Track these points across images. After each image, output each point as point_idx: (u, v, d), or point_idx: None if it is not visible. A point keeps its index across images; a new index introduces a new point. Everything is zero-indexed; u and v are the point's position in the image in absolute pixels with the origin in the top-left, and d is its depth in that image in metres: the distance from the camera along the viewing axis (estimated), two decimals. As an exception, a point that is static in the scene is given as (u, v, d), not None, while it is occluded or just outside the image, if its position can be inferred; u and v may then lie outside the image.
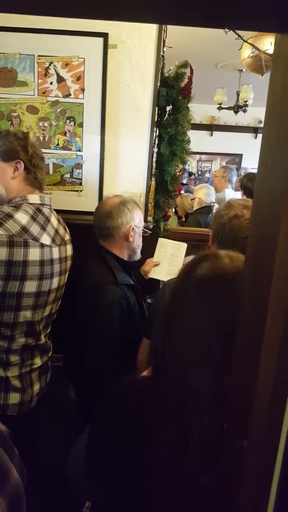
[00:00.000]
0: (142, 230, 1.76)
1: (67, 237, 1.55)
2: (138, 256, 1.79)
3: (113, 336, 1.55)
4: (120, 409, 0.78)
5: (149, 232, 1.87)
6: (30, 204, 1.36)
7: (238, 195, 3.77)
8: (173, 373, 0.74)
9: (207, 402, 0.69)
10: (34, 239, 1.31)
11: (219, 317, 0.70)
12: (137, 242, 1.74)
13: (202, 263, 0.78)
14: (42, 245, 1.33)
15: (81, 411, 1.71)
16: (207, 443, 0.68)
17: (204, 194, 3.71)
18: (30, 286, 1.31)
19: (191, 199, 4.14)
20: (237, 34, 1.99)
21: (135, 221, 1.68)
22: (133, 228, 1.67)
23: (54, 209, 1.53)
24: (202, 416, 0.69)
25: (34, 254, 1.30)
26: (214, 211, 1.53)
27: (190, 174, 7.45)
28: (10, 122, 1.92)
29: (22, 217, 1.30)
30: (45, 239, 1.36)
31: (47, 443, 1.76)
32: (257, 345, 0.51)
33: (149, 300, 2.08)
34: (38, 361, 1.46)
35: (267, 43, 2.79)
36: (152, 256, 2.05)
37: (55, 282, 1.42)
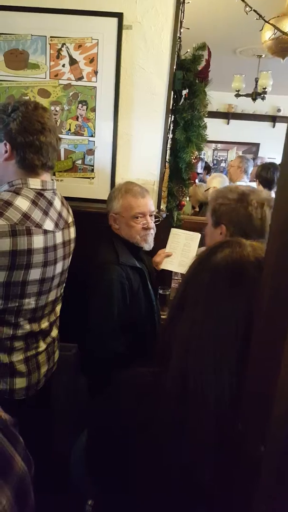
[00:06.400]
0: (134, 218, 1.65)
1: (70, 219, 1.48)
2: (146, 246, 1.72)
3: (112, 316, 1.55)
4: (118, 407, 0.74)
5: (157, 221, 1.78)
6: (31, 189, 1.27)
7: (253, 186, 3.69)
8: (175, 364, 0.69)
9: (208, 398, 0.64)
10: (37, 226, 1.24)
11: (228, 307, 0.66)
12: (126, 231, 1.66)
13: (222, 249, 0.73)
14: (46, 231, 1.28)
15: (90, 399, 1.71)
16: (208, 440, 0.64)
17: (218, 183, 3.66)
18: (35, 274, 1.27)
19: (205, 190, 4.06)
20: (258, 14, 1.89)
21: (114, 208, 1.66)
22: (111, 215, 1.67)
23: (64, 197, 1.48)
24: (203, 413, 0.65)
25: (38, 241, 1.24)
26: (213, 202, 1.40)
27: (207, 167, 6.46)
28: (21, 106, 1.87)
29: (22, 203, 1.22)
30: (48, 225, 1.29)
31: (59, 435, 1.75)
32: (279, 342, 0.46)
33: (161, 291, 2.04)
34: (42, 345, 1.44)
35: (290, 24, 2.68)
36: (165, 247, 2.00)
37: (59, 267, 1.39)
